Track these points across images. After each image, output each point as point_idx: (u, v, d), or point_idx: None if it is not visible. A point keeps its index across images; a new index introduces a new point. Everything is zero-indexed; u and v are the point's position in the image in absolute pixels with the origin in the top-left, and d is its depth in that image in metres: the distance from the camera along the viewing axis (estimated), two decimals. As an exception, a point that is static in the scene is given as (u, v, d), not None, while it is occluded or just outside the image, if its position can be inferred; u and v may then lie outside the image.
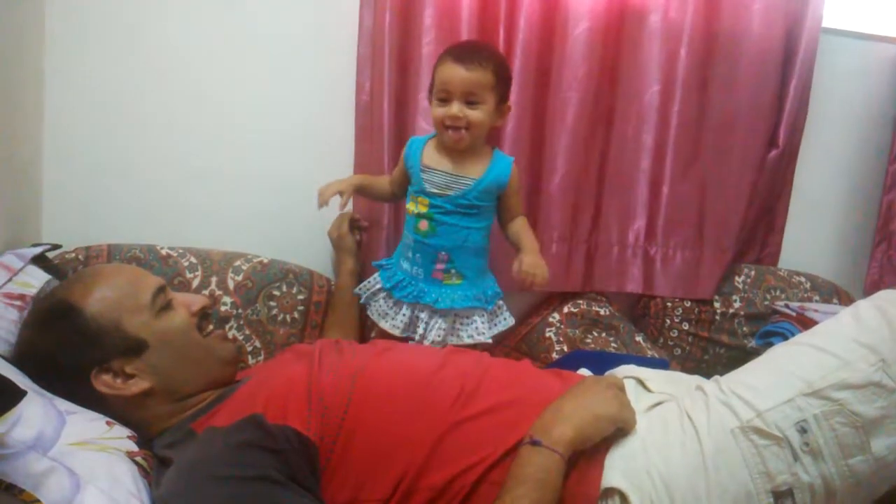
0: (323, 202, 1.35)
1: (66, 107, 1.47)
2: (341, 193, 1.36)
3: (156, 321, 1.00)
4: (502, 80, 1.30)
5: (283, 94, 1.58)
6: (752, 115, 1.72)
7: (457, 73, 1.25)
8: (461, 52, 1.27)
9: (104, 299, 0.98)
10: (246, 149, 1.58)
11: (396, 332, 1.38)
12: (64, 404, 0.90)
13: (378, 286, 1.42)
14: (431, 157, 1.34)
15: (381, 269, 1.43)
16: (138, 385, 0.97)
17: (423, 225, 1.34)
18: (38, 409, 0.82)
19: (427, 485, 0.92)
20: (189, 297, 1.09)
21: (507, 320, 1.42)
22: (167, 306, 1.03)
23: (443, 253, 1.33)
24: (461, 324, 1.37)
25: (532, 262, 1.27)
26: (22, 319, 1.04)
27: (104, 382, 0.95)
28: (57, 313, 0.98)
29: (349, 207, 1.58)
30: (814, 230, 1.96)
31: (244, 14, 1.54)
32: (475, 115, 1.27)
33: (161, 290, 1.04)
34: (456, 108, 1.26)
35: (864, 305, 1.07)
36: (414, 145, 1.37)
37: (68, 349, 0.95)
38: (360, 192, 1.46)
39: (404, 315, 1.38)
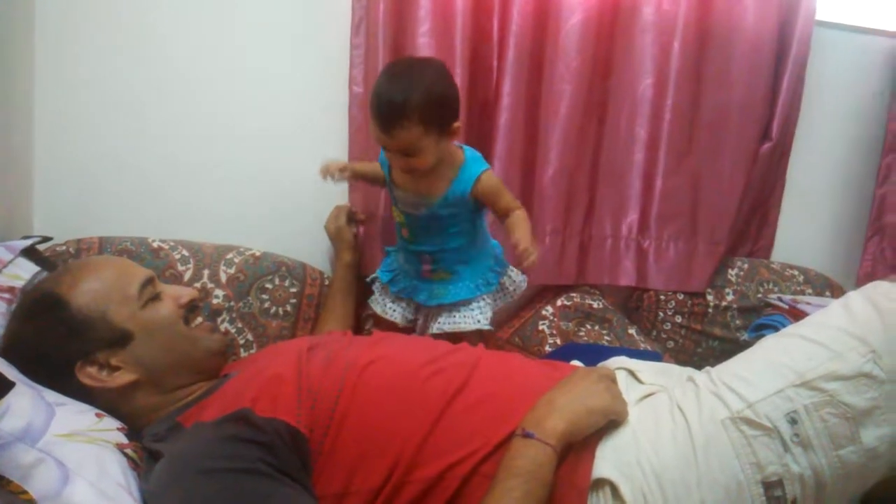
0: (326, 173, 1.36)
1: (57, 98, 1.46)
2: (343, 170, 1.37)
3: (141, 312, 1.00)
4: (436, 118, 1.18)
5: (275, 86, 1.57)
6: (745, 108, 1.72)
7: (383, 139, 1.19)
8: (381, 117, 1.16)
9: (91, 291, 0.98)
10: (238, 141, 1.57)
11: (397, 320, 1.41)
12: (53, 396, 0.89)
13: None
14: (398, 173, 1.31)
15: (386, 256, 1.45)
16: (123, 377, 0.97)
17: (405, 232, 1.35)
18: (27, 401, 0.82)
19: (418, 477, 0.91)
20: (178, 289, 1.10)
21: (517, 285, 1.42)
22: (155, 298, 1.03)
23: (426, 255, 1.34)
24: (459, 312, 1.37)
25: (526, 242, 1.21)
26: (10, 311, 1.03)
27: (89, 375, 0.95)
28: (43, 305, 0.98)
29: (345, 201, 1.59)
30: (807, 223, 1.96)
31: (235, 5, 1.53)
32: (416, 161, 1.21)
33: (149, 281, 1.04)
34: (397, 161, 1.23)
35: (854, 296, 1.06)
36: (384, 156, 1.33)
37: (53, 341, 0.95)
38: (361, 176, 1.45)
39: (404, 306, 1.41)
